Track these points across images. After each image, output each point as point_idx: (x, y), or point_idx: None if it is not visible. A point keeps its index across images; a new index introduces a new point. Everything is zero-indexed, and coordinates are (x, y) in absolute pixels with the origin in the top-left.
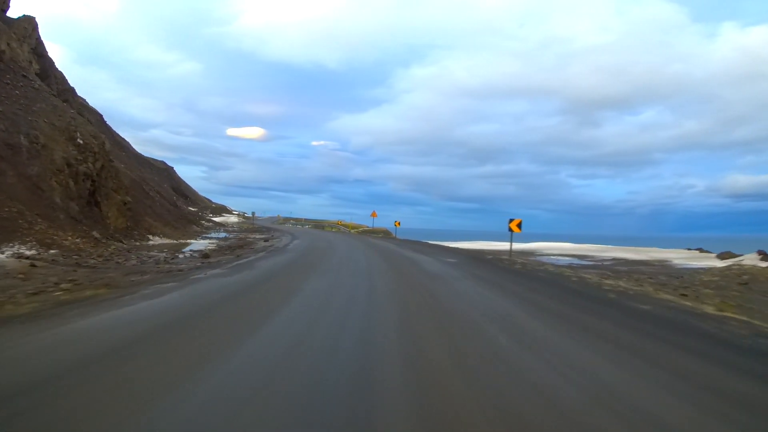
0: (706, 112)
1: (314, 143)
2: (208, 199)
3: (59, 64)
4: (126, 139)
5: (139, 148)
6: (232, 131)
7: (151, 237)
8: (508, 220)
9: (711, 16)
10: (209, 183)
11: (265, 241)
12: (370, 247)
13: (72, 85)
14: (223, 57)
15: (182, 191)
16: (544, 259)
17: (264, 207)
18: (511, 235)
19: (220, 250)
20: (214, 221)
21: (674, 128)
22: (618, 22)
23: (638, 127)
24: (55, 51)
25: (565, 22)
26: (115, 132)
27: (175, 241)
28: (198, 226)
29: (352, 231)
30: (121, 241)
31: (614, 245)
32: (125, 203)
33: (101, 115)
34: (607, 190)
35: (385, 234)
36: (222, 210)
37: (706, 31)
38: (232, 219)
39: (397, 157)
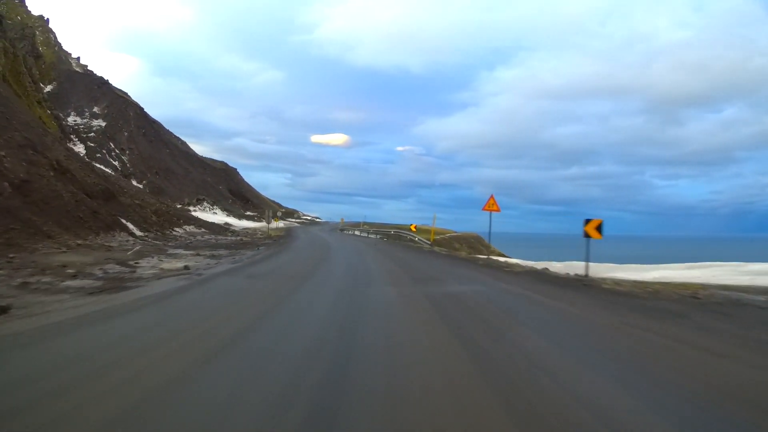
0: None
1: (399, 148)
2: (277, 203)
3: (135, 75)
4: (186, 140)
5: (222, 156)
6: (316, 138)
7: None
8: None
9: None
10: (294, 190)
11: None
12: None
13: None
14: (307, 64)
15: (242, 194)
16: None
17: (350, 213)
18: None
19: None
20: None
21: (756, 125)
22: (697, 17)
23: (720, 124)
24: (132, 63)
25: (645, 19)
26: (166, 130)
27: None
28: (169, 231)
29: (419, 238)
30: None
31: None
32: None
33: (142, 108)
34: (690, 190)
35: (476, 241)
36: (291, 214)
37: None
38: (279, 224)
39: (483, 160)
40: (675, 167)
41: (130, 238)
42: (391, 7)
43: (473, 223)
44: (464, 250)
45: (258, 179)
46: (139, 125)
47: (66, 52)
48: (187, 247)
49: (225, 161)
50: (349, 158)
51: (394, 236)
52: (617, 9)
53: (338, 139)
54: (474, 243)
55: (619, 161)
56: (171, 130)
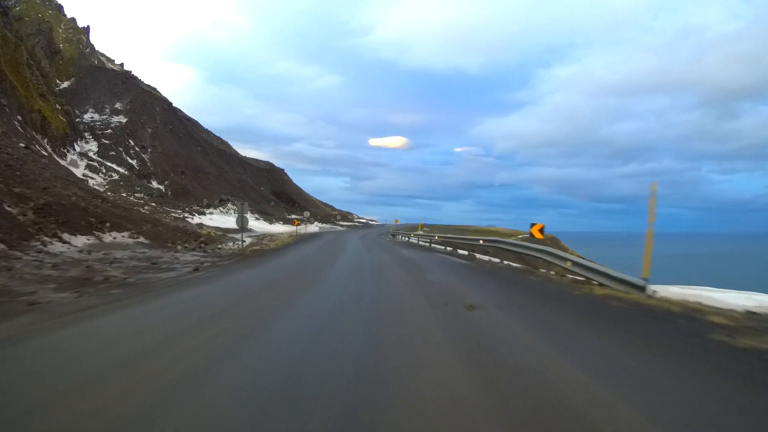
0: None
1: (457, 149)
2: (331, 206)
3: (189, 84)
4: (243, 146)
5: (280, 162)
6: (374, 141)
7: None
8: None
9: None
10: (353, 193)
11: None
12: None
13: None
14: (363, 68)
15: (289, 195)
16: None
17: (409, 215)
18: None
19: None
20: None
21: None
22: (748, 7)
23: None
24: (186, 73)
25: (696, 12)
26: (203, 128)
27: None
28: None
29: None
30: None
31: None
32: None
33: (171, 104)
34: (746, 184)
35: (553, 244)
36: (345, 217)
37: None
38: (312, 227)
39: (542, 159)
40: (731, 161)
41: None
42: (445, 8)
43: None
44: (542, 264)
45: (317, 184)
46: (166, 121)
47: (97, 51)
48: None
49: (283, 166)
50: (408, 160)
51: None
52: (668, 2)
53: (396, 141)
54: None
55: (675, 157)
56: (227, 137)
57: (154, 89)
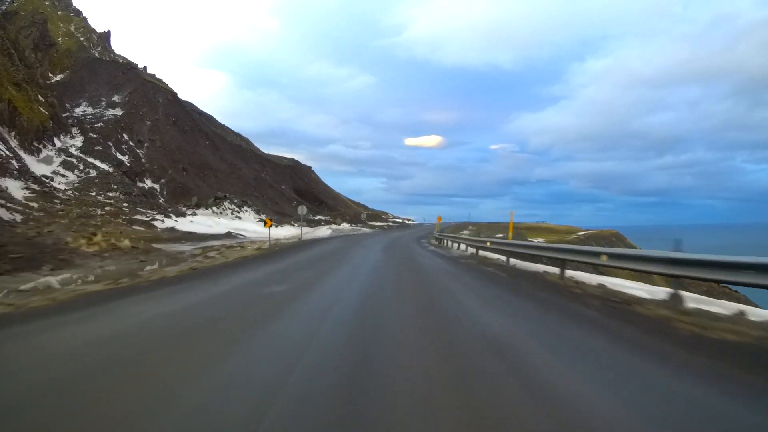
0: None
1: (493, 147)
2: (364, 206)
3: (222, 90)
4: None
5: (317, 164)
6: (410, 141)
7: None
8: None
9: None
10: (389, 194)
11: None
12: None
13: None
14: (396, 67)
15: (315, 195)
16: None
17: (447, 214)
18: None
19: None
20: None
21: None
22: None
23: None
24: (219, 78)
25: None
26: (218, 123)
27: None
28: None
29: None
30: None
31: None
32: None
33: (176, 95)
34: None
35: (619, 241)
36: (378, 216)
37: None
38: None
39: (577, 154)
40: (764, 150)
41: None
42: (478, 3)
43: (570, 218)
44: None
45: (353, 185)
46: (169, 113)
47: (110, 48)
48: None
49: (319, 168)
50: (444, 159)
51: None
52: None
53: (432, 140)
54: (618, 245)
55: (709, 147)
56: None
57: (160, 80)
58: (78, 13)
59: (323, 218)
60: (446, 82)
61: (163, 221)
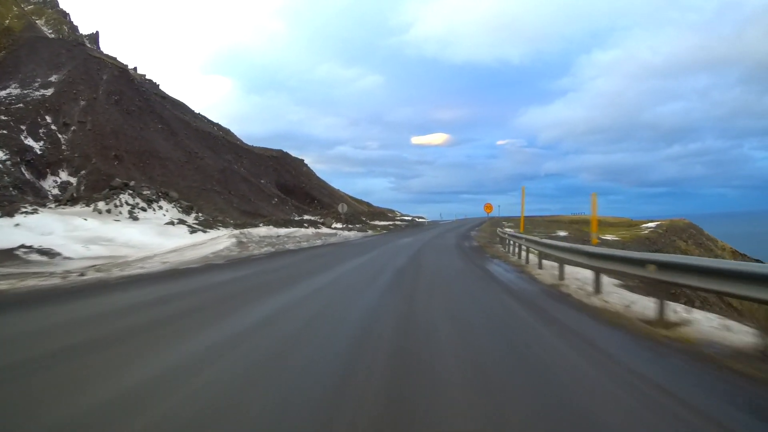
0: None
1: (500, 142)
2: (365, 202)
3: (229, 95)
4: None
5: (325, 166)
6: (417, 140)
7: None
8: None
9: None
10: (398, 193)
11: None
12: None
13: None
14: (405, 66)
15: (306, 191)
16: None
17: (457, 211)
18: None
19: None
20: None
21: None
22: None
23: None
24: (225, 84)
25: None
26: (185, 106)
27: None
28: None
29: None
30: None
31: None
32: None
33: (126, 70)
34: None
35: (699, 234)
36: (383, 215)
37: None
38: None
39: (587, 147)
40: None
41: None
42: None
43: (581, 212)
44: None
45: (362, 185)
46: (112, 92)
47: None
48: None
49: (328, 170)
50: (452, 156)
51: None
52: None
53: (439, 138)
54: (702, 242)
55: (719, 135)
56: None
57: (108, 56)
58: (64, 14)
59: (310, 218)
60: (456, 79)
61: None
